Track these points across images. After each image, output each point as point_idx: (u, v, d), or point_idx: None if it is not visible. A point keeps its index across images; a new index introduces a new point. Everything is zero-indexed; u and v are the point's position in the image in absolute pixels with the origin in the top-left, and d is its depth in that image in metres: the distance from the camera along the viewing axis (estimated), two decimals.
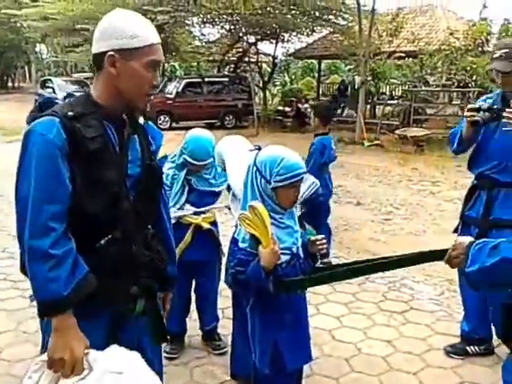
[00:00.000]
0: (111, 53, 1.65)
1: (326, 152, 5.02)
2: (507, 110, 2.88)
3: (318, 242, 2.35)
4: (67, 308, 1.59)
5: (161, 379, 2.07)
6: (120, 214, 1.73)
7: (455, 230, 3.40)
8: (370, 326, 3.83)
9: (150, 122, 2.18)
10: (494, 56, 3.08)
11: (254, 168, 2.23)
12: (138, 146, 1.84)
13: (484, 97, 3.37)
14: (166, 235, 2.03)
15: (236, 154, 3.15)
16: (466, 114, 3.13)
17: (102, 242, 1.69)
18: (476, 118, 3.02)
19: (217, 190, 3.34)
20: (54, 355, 1.60)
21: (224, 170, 3.27)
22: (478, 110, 3.03)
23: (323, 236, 2.43)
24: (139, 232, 1.82)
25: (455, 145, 3.31)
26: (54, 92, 20.70)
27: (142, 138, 1.88)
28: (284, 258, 2.19)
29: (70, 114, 1.64)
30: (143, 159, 1.84)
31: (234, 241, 2.27)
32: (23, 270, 1.70)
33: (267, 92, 21.67)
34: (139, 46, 1.66)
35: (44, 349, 1.71)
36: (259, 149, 2.32)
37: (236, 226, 2.44)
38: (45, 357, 1.64)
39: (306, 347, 2.38)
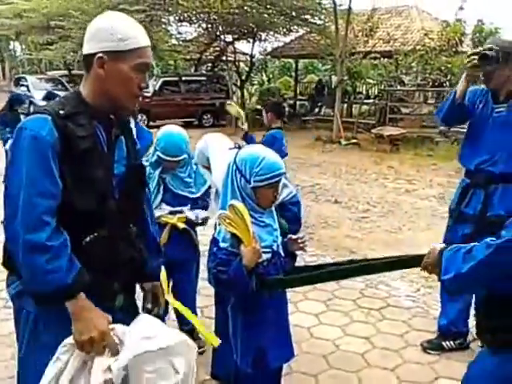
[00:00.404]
0: (100, 54, 1.68)
1: (277, 144, 4.88)
2: None
3: (299, 241, 2.36)
4: (76, 292, 1.63)
5: None
6: (106, 212, 1.76)
7: (447, 228, 3.41)
8: (347, 323, 3.87)
9: (139, 122, 2.19)
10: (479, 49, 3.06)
11: (234, 167, 2.22)
12: (124, 146, 1.87)
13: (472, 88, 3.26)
14: (149, 233, 2.06)
15: (218, 151, 3.15)
16: (467, 60, 3.04)
17: (88, 239, 1.72)
18: (486, 52, 2.92)
19: (191, 194, 3.31)
20: (82, 337, 1.61)
21: (208, 168, 3.27)
22: (484, 56, 2.94)
23: (303, 235, 2.45)
24: (123, 230, 1.85)
25: (444, 110, 3.23)
26: (29, 90, 20.31)
27: (129, 137, 1.91)
28: (265, 256, 2.20)
29: (62, 112, 1.66)
30: (129, 159, 1.87)
31: (214, 241, 2.26)
32: (6, 264, 1.75)
33: (245, 91, 21.66)
34: (128, 49, 1.68)
35: (20, 351, 1.71)
36: (239, 147, 2.32)
37: (215, 226, 2.44)
38: (71, 340, 1.64)
39: (288, 345, 2.40)
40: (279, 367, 2.46)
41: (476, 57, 2.97)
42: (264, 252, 2.18)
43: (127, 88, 1.73)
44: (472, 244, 1.70)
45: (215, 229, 2.40)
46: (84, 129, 1.69)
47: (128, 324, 1.85)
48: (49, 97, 7.88)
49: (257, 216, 2.21)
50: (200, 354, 3.43)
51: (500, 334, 1.77)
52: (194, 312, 3.59)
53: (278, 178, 2.21)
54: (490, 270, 1.63)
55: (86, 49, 1.73)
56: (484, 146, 3.11)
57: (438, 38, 14.91)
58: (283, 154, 5.03)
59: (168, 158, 3.16)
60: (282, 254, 2.32)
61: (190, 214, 3.28)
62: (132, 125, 2.10)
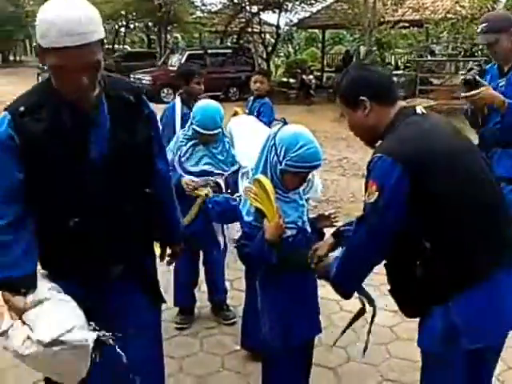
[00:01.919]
0: (36, 45, 1.69)
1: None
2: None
3: (332, 216, 2.34)
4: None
5: (159, 342, 2.18)
6: (83, 199, 1.76)
7: None
8: (376, 297, 3.86)
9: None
10: (478, 31, 3.18)
11: (272, 142, 2.16)
12: (108, 123, 1.78)
13: (487, 66, 3.42)
14: (165, 206, 2.11)
15: (245, 131, 3.14)
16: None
17: (71, 223, 1.76)
18: (467, 77, 3.09)
19: (221, 171, 3.30)
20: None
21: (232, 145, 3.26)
22: (469, 69, 3.19)
23: (334, 211, 2.42)
24: (113, 209, 1.83)
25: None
26: None
27: (119, 110, 1.82)
28: (289, 232, 2.18)
29: (21, 109, 1.69)
30: (112, 137, 1.79)
31: (238, 213, 2.27)
32: None
33: (271, 63, 21.45)
34: (46, 47, 1.61)
35: None
36: (285, 122, 2.25)
37: (239, 200, 2.44)
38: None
39: (316, 319, 2.40)
40: (310, 341, 2.45)
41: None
42: (288, 228, 2.16)
43: (59, 83, 1.68)
44: None
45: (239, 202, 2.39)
46: (44, 122, 1.69)
47: (130, 291, 1.95)
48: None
49: (281, 192, 2.18)
50: (230, 324, 3.50)
51: None
52: (224, 284, 3.65)
53: (309, 170, 2.17)
54: None
55: None
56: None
57: (469, 6, 14.42)
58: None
59: (204, 132, 3.15)
60: (309, 230, 2.30)
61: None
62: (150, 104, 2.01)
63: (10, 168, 1.69)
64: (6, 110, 1.73)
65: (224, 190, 3.26)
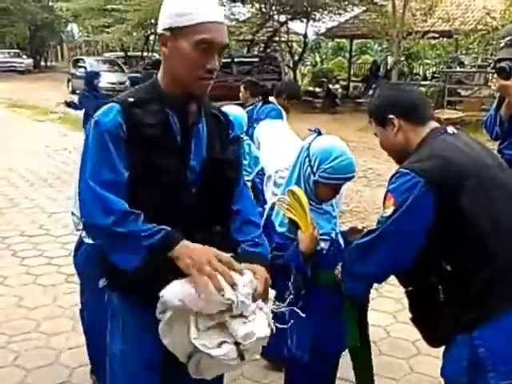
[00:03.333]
0: (162, 31, 1.61)
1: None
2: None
3: (365, 230, 2.30)
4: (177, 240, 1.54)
5: None
6: (180, 206, 1.64)
7: None
8: (399, 310, 3.83)
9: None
10: (501, 46, 3.09)
11: (306, 153, 2.14)
12: (205, 137, 1.72)
13: None
14: (248, 230, 1.81)
15: (273, 137, 3.16)
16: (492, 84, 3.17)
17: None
18: (502, 65, 2.97)
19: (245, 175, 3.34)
20: (194, 266, 1.48)
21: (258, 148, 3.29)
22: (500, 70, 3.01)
23: (366, 225, 2.39)
24: (203, 229, 1.67)
25: (497, 127, 3.19)
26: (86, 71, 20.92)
27: (214, 127, 1.76)
28: (323, 243, 2.16)
29: (131, 99, 1.62)
30: (209, 150, 1.72)
31: (269, 223, 2.25)
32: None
33: (297, 72, 21.48)
34: (187, 25, 1.56)
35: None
36: (319, 133, 2.23)
37: (263, 208, 2.43)
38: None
39: (344, 334, 2.36)
40: (336, 357, 2.40)
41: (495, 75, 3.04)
42: (322, 239, 2.14)
43: (188, 68, 1.59)
44: None
45: (269, 212, 2.39)
46: (153, 116, 1.61)
47: None
48: (91, 80, 8.74)
49: (314, 203, 2.17)
50: None
51: None
52: None
53: (343, 182, 2.14)
54: None
55: (158, 28, 1.66)
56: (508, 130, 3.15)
57: (500, 17, 14.22)
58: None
59: None
60: (342, 242, 2.27)
61: None
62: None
63: (117, 162, 1.57)
64: (107, 103, 1.65)
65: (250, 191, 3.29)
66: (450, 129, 1.88)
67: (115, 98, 1.66)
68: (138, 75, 9.00)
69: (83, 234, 2.56)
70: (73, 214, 2.61)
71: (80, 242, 2.67)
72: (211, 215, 1.71)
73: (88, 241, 2.52)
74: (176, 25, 1.57)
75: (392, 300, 3.98)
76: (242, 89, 5.27)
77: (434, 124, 1.90)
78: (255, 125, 4.64)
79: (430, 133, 1.86)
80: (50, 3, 30.14)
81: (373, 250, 1.81)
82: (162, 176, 1.61)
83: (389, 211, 1.74)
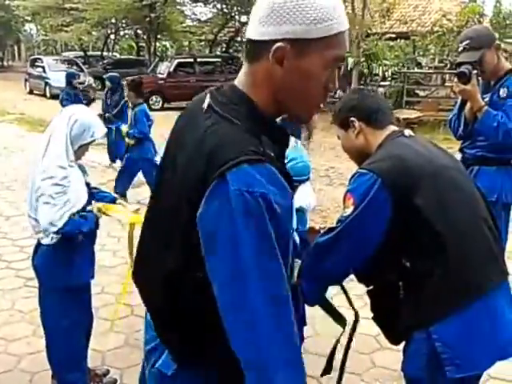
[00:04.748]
0: (281, 44, 1.12)
1: (148, 116, 6.33)
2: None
3: (321, 231, 2.34)
4: None
5: None
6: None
7: None
8: (361, 307, 3.87)
9: None
10: (460, 49, 3.17)
11: None
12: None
13: None
14: None
15: None
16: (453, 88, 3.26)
17: None
18: (462, 70, 3.04)
19: None
20: None
21: None
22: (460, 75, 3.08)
23: (325, 225, 2.42)
24: None
25: (460, 127, 3.29)
26: (44, 71, 20.43)
27: None
28: None
29: (262, 150, 1.12)
30: None
31: None
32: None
33: None
34: (324, 36, 1.13)
35: None
36: None
37: None
38: None
39: (301, 328, 2.41)
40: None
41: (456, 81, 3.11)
42: None
43: (313, 92, 1.19)
44: None
45: None
46: (275, 161, 1.15)
47: None
48: (70, 80, 8.69)
49: None
50: None
51: None
52: None
53: (297, 184, 2.18)
54: None
55: (259, 33, 1.16)
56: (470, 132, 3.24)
57: (456, 19, 14.66)
58: (152, 122, 6.40)
59: None
60: (297, 240, 2.30)
61: None
62: None
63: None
64: (258, 161, 1.09)
65: None
66: (407, 132, 1.94)
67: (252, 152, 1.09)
68: (117, 74, 8.87)
69: (41, 235, 2.51)
70: (29, 216, 2.55)
71: (38, 244, 2.62)
72: None
73: (45, 241, 2.49)
74: (308, 36, 1.12)
75: (354, 296, 4.04)
76: (126, 91, 6.20)
77: (392, 128, 1.96)
78: None
79: (388, 136, 1.91)
80: (7, 1, 29.28)
81: (332, 248, 1.84)
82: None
83: (348, 210, 1.78)
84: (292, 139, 3.35)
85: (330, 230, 1.87)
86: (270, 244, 1.06)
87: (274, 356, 1.06)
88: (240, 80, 1.24)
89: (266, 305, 1.06)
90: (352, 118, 1.95)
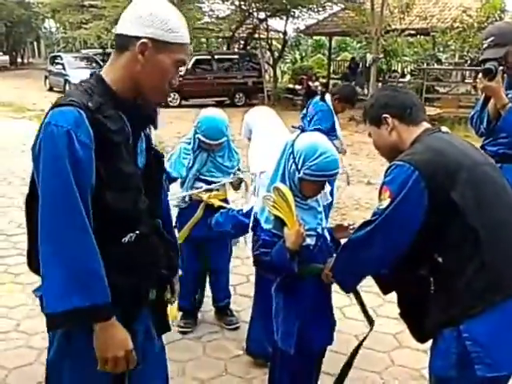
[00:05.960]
0: (145, 40, 1.55)
1: None
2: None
3: (350, 227, 2.30)
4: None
5: (164, 362, 1.96)
6: (141, 208, 1.67)
7: None
8: (379, 305, 3.87)
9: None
10: (484, 46, 3.13)
11: (290, 150, 2.15)
12: (144, 136, 1.76)
13: None
14: (166, 219, 1.93)
15: (263, 130, 3.13)
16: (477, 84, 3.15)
17: (127, 238, 1.63)
18: (488, 66, 3.01)
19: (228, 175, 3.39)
20: (106, 355, 1.55)
21: (249, 139, 3.28)
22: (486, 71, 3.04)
23: (353, 222, 2.40)
24: (153, 224, 1.76)
25: (483, 125, 3.24)
26: (64, 68, 20.63)
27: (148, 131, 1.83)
28: (309, 239, 2.17)
29: (91, 105, 1.53)
30: (148, 149, 1.78)
31: (255, 221, 2.25)
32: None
33: (277, 69, 21.50)
34: (176, 42, 1.59)
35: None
36: (302, 130, 2.23)
37: (246, 204, 2.43)
38: None
39: (330, 330, 2.36)
40: (322, 351, 2.42)
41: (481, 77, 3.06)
42: (308, 235, 2.15)
43: (161, 81, 1.63)
44: None
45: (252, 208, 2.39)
46: (114, 122, 1.57)
47: (153, 318, 1.80)
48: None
49: (300, 200, 2.17)
50: (233, 329, 3.51)
51: None
52: (228, 289, 3.66)
53: (327, 178, 2.16)
54: None
55: (127, 29, 1.58)
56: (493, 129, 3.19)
57: (476, 15, 14.45)
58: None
59: (209, 142, 3.22)
60: (328, 237, 2.29)
61: (224, 179, 3.37)
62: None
63: (91, 173, 1.52)
64: (63, 105, 1.52)
65: (250, 187, 3.33)
66: (444, 128, 1.93)
67: (68, 100, 1.53)
68: None
69: None
70: None
71: None
72: (155, 210, 1.78)
73: None
74: (164, 39, 1.57)
75: (372, 294, 4.02)
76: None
77: (426, 124, 1.94)
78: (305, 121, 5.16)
79: (423, 131, 1.90)
80: None
81: (369, 241, 1.83)
82: (127, 182, 1.62)
83: (385, 203, 1.76)
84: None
85: (366, 223, 1.85)
86: (63, 165, 1.46)
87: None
88: (105, 67, 1.67)
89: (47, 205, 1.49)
90: (385, 115, 1.93)
